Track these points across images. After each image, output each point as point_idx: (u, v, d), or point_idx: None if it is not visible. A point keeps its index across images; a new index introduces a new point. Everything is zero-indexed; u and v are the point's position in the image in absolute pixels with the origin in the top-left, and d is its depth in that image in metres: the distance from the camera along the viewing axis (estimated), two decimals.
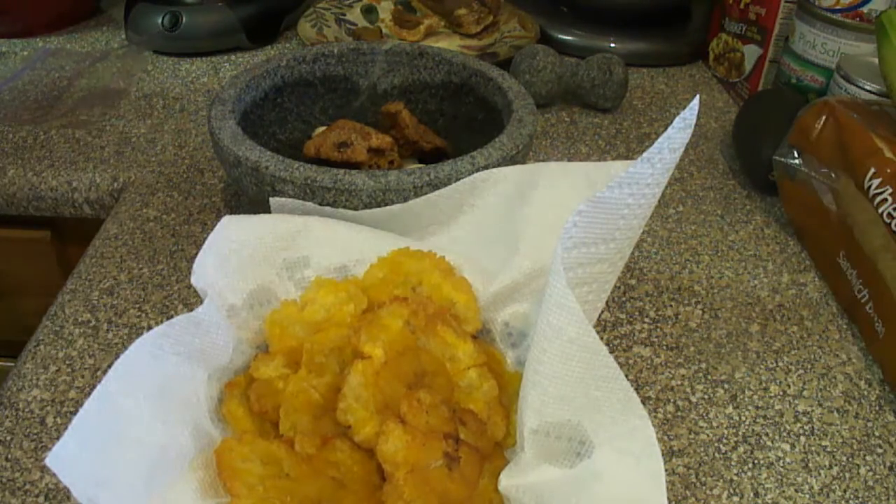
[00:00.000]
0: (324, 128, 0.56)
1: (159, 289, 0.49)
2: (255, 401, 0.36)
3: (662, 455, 0.30)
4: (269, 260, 0.41)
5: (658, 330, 0.47)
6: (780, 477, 0.39)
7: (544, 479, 0.32)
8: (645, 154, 0.31)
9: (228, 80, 0.53)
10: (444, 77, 0.58)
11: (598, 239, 0.32)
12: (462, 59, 0.57)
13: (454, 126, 0.59)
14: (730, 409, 0.42)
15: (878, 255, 0.45)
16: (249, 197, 0.48)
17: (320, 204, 0.44)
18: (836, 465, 0.40)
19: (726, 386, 0.44)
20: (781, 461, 0.40)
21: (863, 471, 0.39)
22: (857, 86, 0.58)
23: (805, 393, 0.44)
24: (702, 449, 0.40)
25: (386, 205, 0.43)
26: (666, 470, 0.33)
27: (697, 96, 0.34)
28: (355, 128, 0.52)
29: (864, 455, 0.40)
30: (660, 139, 0.31)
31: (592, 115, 0.72)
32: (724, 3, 0.78)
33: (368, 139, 0.51)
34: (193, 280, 0.38)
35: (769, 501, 0.38)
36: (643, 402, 0.42)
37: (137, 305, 0.47)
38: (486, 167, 0.45)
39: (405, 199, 0.43)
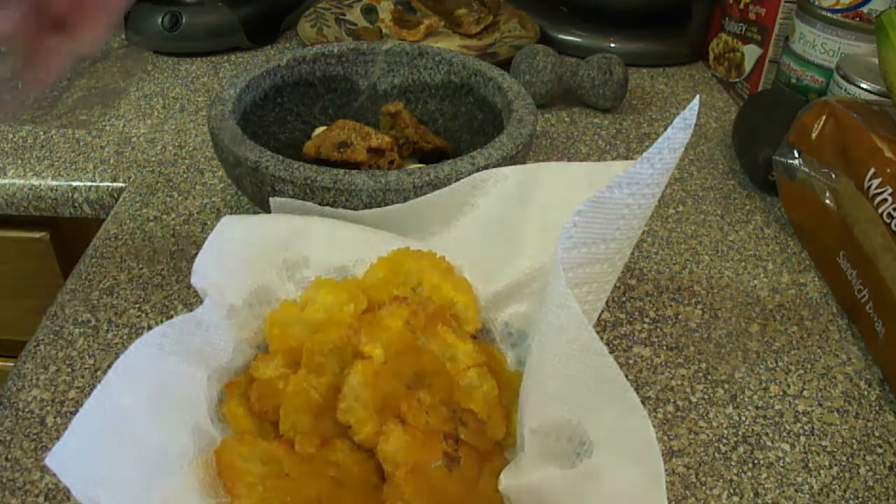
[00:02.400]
0: (324, 128, 0.56)
1: (159, 289, 0.49)
2: (255, 401, 0.36)
3: (662, 455, 0.30)
4: (269, 260, 0.41)
5: (658, 330, 0.47)
6: (780, 477, 0.39)
7: (544, 479, 0.32)
8: (645, 154, 0.31)
9: (228, 80, 0.53)
10: (444, 77, 0.58)
11: (598, 239, 0.32)
12: (462, 59, 0.57)
13: (454, 126, 0.59)
14: (730, 409, 0.42)
15: (878, 255, 0.45)
16: (249, 197, 0.48)
17: (320, 204, 0.44)
18: (836, 465, 0.40)
19: (726, 386, 0.44)
20: (781, 461, 0.40)
21: (863, 471, 0.39)
22: (857, 86, 0.58)
23: (805, 393, 0.44)
24: (702, 449, 0.40)
25: (386, 205, 0.43)
26: (666, 470, 0.33)
27: (697, 96, 0.34)
28: (355, 128, 0.52)
29: (864, 455, 0.40)
30: (660, 139, 0.31)
31: (592, 115, 0.72)
32: (724, 3, 0.78)
33: (368, 139, 0.51)
34: (193, 280, 0.38)
35: (769, 501, 0.38)
36: (643, 402, 0.42)
37: (137, 305, 0.47)
38: (486, 167, 0.45)
39: (405, 199, 0.43)
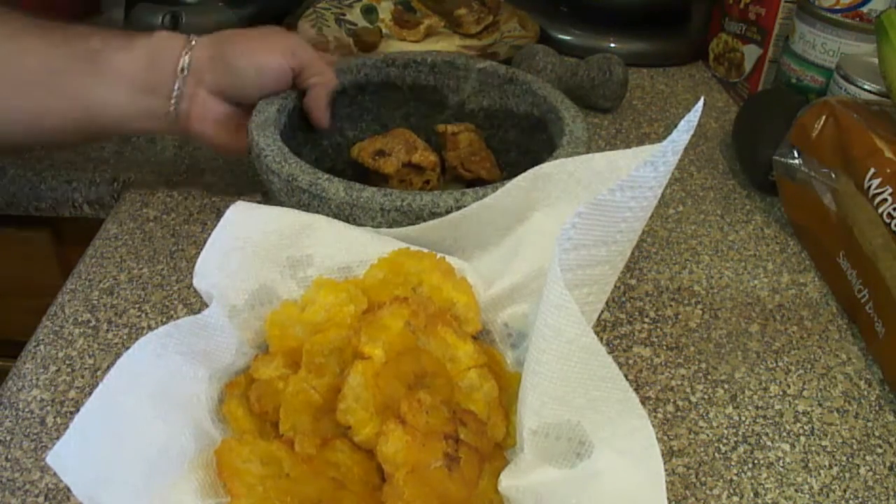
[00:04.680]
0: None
1: (159, 289, 0.49)
2: (256, 401, 0.36)
3: (662, 455, 0.30)
4: (272, 258, 0.40)
5: (658, 330, 0.47)
6: (780, 477, 0.39)
7: (544, 480, 0.32)
8: (649, 158, 0.31)
9: None
10: (528, 108, 0.55)
11: (600, 241, 0.32)
12: (545, 93, 0.53)
13: (523, 161, 0.51)
14: (730, 409, 0.42)
15: (878, 255, 0.45)
16: (262, 185, 0.47)
17: (297, 205, 0.43)
18: (836, 465, 0.40)
19: (726, 386, 0.44)
20: (781, 461, 0.40)
21: (863, 471, 0.39)
22: (857, 86, 0.58)
23: (805, 393, 0.44)
24: (702, 449, 0.40)
25: (354, 220, 0.42)
26: (666, 470, 0.33)
27: (702, 99, 0.34)
28: (407, 139, 0.51)
29: (864, 455, 0.40)
30: (664, 143, 0.31)
31: (592, 115, 0.72)
32: (724, 3, 0.78)
33: (412, 154, 0.49)
34: (196, 282, 0.38)
35: (769, 501, 0.38)
36: (643, 402, 0.42)
37: (137, 305, 0.47)
38: (466, 205, 0.42)
39: (372, 219, 0.42)
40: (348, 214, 0.42)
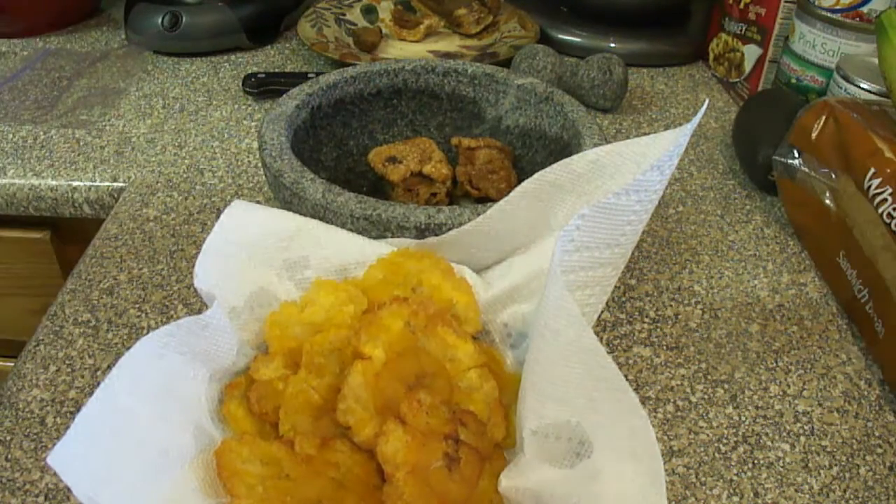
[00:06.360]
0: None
1: (159, 289, 0.49)
2: (255, 402, 0.36)
3: (662, 455, 0.30)
4: (269, 261, 0.41)
5: (658, 330, 0.47)
6: (780, 477, 0.39)
7: (544, 480, 0.32)
8: (655, 162, 0.31)
9: (339, 70, 0.52)
10: (559, 131, 0.53)
11: (603, 244, 0.32)
12: (576, 115, 0.51)
13: None
14: (730, 409, 0.42)
15: (878, 255, 0.45)
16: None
17: (282, 201, 0.43)
18: (836, 465, 0.40)
19: (726, 386, 0.44)
20: (781, 461, 0.40)
21: (863, 471, 0.39)
22: (857, 86, 0.58)
23: (805, 393, 0.44)
24: (702, 449, 0.40)
25: (329, 224, 0.42)
26: (666, 470, 0.33)
27: (707, 101, 0.34)
28: (424, 149, 0.50)
29: (864, 455, 0.40)
30: (671, 148, 0.31)
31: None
32: (724, 3, 0.79)
33: (424, 164, 0.49)
34: (196, 283, 0.38)
35: (769, 501, 0.38)
36: (643, 402, 0.42)
37: (137, 305, 0.47)
38: (440, 230, 0.41)
39: (343, 224, 0.42)
40: (322, 217, 0.42)
